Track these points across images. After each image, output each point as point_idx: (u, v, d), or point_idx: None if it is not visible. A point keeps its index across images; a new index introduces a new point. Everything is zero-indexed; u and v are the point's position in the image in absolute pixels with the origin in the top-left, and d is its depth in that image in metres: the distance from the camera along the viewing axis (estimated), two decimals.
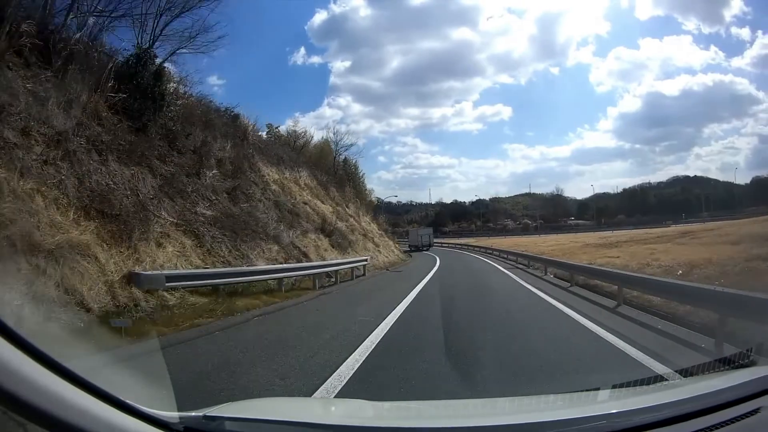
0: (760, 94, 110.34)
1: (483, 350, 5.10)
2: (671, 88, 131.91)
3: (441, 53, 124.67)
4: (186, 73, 16.72)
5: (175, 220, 11.26)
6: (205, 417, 1.31)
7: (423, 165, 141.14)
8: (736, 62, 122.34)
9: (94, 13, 13.48)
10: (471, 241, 52.49)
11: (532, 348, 5.24)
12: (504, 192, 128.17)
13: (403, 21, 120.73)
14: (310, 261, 14.45)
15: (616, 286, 10.12)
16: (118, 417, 1.01)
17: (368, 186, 46.22)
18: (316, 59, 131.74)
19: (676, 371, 3.41)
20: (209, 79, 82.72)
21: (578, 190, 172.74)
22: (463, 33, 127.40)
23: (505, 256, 25.67)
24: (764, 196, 64.04)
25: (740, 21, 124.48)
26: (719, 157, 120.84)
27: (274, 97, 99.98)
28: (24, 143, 8.42)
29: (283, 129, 33.25)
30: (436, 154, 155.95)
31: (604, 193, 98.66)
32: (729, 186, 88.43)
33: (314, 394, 3.55)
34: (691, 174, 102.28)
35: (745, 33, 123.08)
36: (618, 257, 17.83)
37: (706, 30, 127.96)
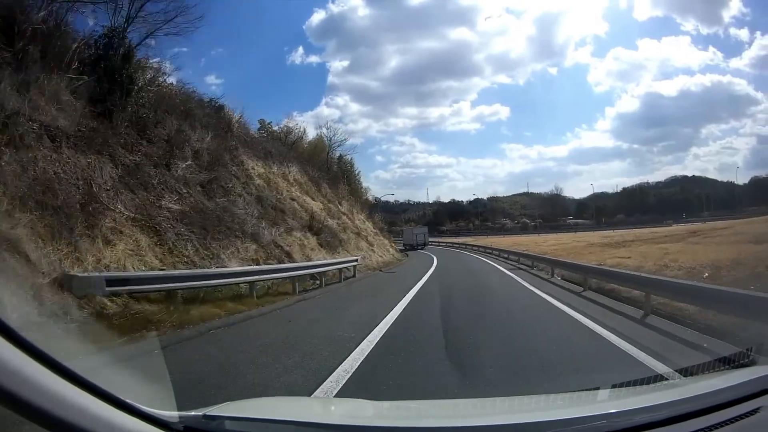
0: (759, 95, 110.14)
1: (499, 386, 3.74)
2: (669, 88, 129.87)
3: (439, 53, 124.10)
4: (163, 59, 15.45)
5: (133, 215, 9.87)
6: (205, 416, 1.30)
7: (421, 164, 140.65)
8: (735, 63, 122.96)
9: None
10: (469, 240, 51.20)
11: (565, 383, 3.85)
12: (502, 191, 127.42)
13: (402, 21, 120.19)
14: (294, 261, 13.06)
15: (636, 291, 8.94)
16: (118, 416, 1.00)
17: (364, 184, 44.99)
18: (314, 58, 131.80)
19: (676, 371, 3.36)
20: (207, 78, 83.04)
21: (576, 189, 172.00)
22: (461, 33, 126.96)
23: (506, 255, 24.25)
24: (764, 196, 63.69)
25: (739, 22, 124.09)
26: (717, 157, 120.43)
27: (272, 96, 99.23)
28: None
29: (276, 125, 31.94)
30: (433, 154, 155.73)
31: (602, 192, 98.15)
32: (728, 186, 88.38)
33: None
34: (690, 174, 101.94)
35: (743, 34, 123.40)
36: (629, 258, 16.53)
37: (705, 31, 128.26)
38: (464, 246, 42.77)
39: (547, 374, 4.09)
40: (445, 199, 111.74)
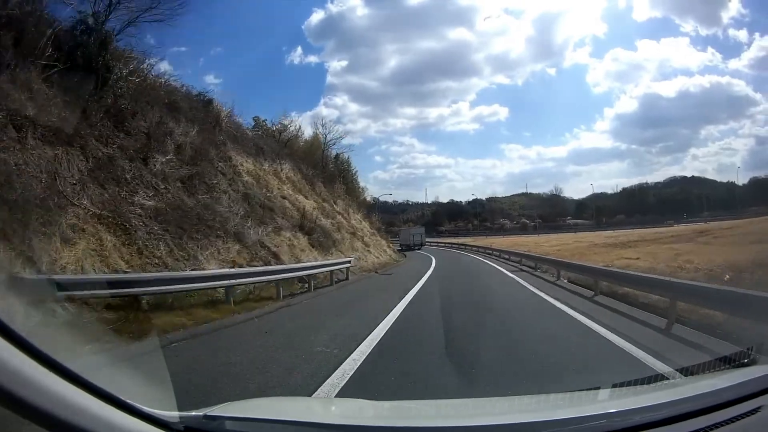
0: (758, 96, 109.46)
1: None
2: (668, 89, 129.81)
3: (438, 53, 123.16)
4: (148, 50, 14.65)
5: (99, 211, 8.97)
6: (205, 416, 1.29)
7: (419, 165, 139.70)
8: (734, 64, 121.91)
9: None
10: (468, 240, 50.34)
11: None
12: (501, 192, 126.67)
13: (401, 21, 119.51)
14: (282, 263, 12.15)
15: (654, 296, 8.09)
16: (119, 416, 1.00)
17: (362, 184, 44.22)
18: (312, 58, 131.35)
19: (676, 370, 3.35)
20: (206, 78, 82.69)
21: (575, 190, 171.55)
22: (460, 33, 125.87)
23: (507, 256, 23.31)
24: (763, 197, 63.25)
25: (738, 23, 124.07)
26: (716, 158, 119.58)
27: (270, 96, 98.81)
28: None
29: (271, 123, 31.16)
30: (432, 154, 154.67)
31: (601, 193, 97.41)
32: (727, 186, 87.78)
33: None
34: (688, 175, 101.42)
35: (742, 35, 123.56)
36: (637, 259, 15.67)
37: (704, 32, 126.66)
38: (463, 246, 41.88)
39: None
40: (444, 200, 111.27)
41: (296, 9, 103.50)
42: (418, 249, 43.34)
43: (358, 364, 4.36)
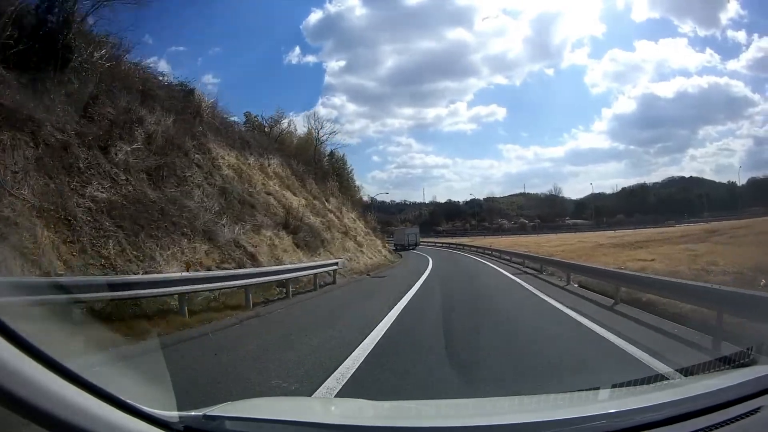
0: (756, 97, 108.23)
1: None
2: (666, 90, 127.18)
3: (436, 53, 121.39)
4: (123, 35, 13.29)
5: (41, 203, 7.69)
6: (205, 416, 1.29)
7: (417, 165, 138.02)
8: (732, 65, 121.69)
9: None
10: (466, 240, 49.05)
11: None
12: (498, 192, 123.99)
13: (399, 21, 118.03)
14: (260, 265, 10.85)
15: (687, 306, 6.88)
16: (118, 416, 0.99)
17: (358, 182, 43.03)
18: (310, 58, 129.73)
19: (676, 370, 3.28)
20: (204, 77, 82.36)
21: (572, 190, 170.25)
22: (458, 33, 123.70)
23: (508, 257, 21.97)
24: (763, 197, 62.66)
25: (736, 24, 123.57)
26: (714, 158, 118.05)
27: (268, 96, 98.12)
28: None
29: (263, 119, 29.99)
30: (430, 154, 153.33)
31: (599, 193, 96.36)
32: (726, 187, 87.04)
33: None
34: (686, 175, 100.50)
35: (741, 36, 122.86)
36: (652, 260, 14.43)
37: (702, 33, 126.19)
38: (461, 247, 40.58)
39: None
40: (442, 200, 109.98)
41: (294, 9, 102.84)
42: (413, 249, 43.04)
43: None
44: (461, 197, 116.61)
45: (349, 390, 3.52)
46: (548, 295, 9.30)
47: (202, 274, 7.65)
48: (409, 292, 10.28)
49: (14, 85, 9.22)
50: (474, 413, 1.86)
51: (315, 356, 4.61)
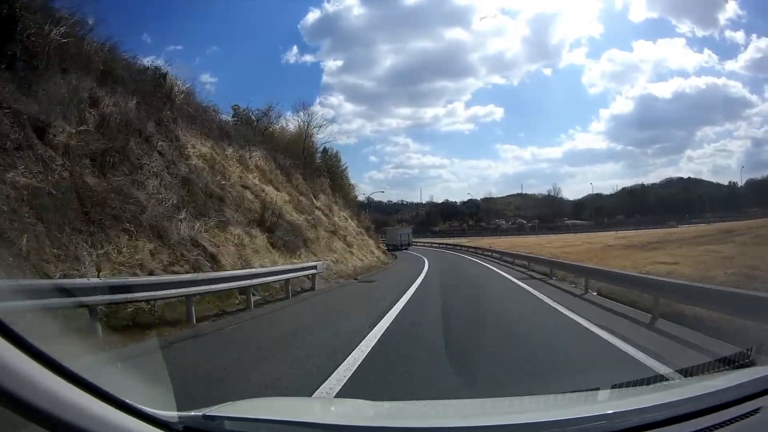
0: (754, 98, 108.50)
1: None
2: (664, 90, 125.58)
3: (434, 53, 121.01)
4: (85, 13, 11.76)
5: None
6: (204, 417, 1.28)
7: (414, 165, 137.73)
8: (730, 65, 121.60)
9: None
10: (463, 241, 47.38)
11: None
12: (495, 192, 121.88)
13: (397, 20, 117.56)
14: (222, 268, 9.13)
15: (750, 322, 5.28)
16: (118, 416, 0.98)
17: (352, 181, 41.42)
18: (308, 58, 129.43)
19: (676, 371, 3.23)
20: (202, 77, 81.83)
21: (570, 191, 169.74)
22: (456, 33, 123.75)
23: (510, 260, 20.25)
24: (763, 198, 61.81)
25: (735, 24, 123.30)
26: (711, 159, 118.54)
27: (265, 95, 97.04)
28: None
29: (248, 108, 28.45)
30: (427, 154, 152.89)
31: (597, 194, 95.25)
32: (726, 188, 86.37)
33: None
34: (684, 176, 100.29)
35: (739, 36, 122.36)
36: (675, 263, 12.80)
37: (700, 33, 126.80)
38: (459, 247, 38.88)
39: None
40: (439, 200, 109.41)
41: (293, 8, 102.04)
42: (406, 249, 42.67)
43: None
44: (458, 197, 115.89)
45: None
46: (568, 308, 7.58)
47: (118, 281, 5.87)
48: (399, 302, 8.56)
49: None
50: (474, 413, 1.82)
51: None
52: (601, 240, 27.11)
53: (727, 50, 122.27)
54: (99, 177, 9.31)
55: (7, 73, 8.85)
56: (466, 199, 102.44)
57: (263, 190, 15.61)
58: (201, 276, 7.03)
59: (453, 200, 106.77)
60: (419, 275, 15.39)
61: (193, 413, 1.27)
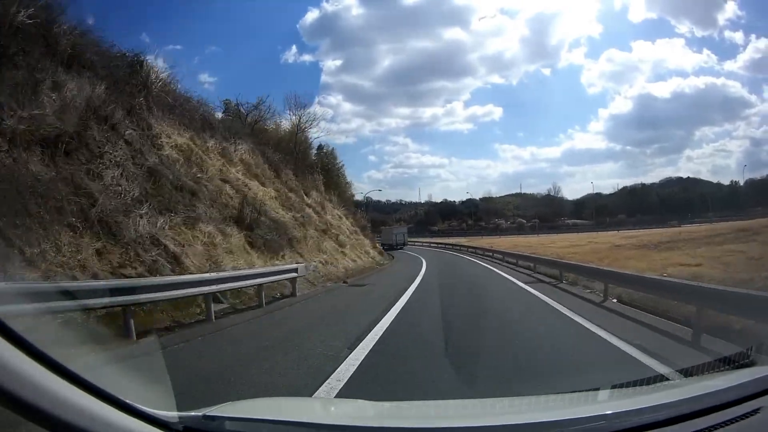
0: (753, 98, 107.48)
1: None
2: (663, 90, 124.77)
3: (433, 53, 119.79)
4: None
5: None
6: (204, 417, 1.26)
7: (413, 164, 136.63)
8: (729, 66, 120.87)
9: None
10: (462, 240, 46.17)
11: None
12: (494, 192, 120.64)
13: (396, 20, 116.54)
14: (187, 271, 7.91)
15: None
16: (118, 416, 0.98)
17: (349, 179, 40.29)
18: (307, 57, 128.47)
19: (676, 371, 3.21)
20: (200, 76, 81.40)
21: (569, 190, 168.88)
22: (455, 33, 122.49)
23: (513, 260, 19.00)
24: (764, 198, 61.19)
25: (734, 25, 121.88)
26: (710, 159, 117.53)
27: (264, 95, 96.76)
28: None
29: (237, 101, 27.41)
30: (426, 154, 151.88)
31: (597, 193, 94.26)
32: (726, 187, 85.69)
33: None
34: (683, 176, 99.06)
35: (738, 37, 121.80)
36: (698, 265, 11.62)
37: (700, 33, 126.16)
38: (458, 247, 37.65)
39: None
40: (438, 199, 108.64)
41: (292, 8, 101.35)
42: (400, 248, 42.51)
43: None
44: (457, 197, 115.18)
45: None
46: (590, 320, 6.34)
47: (22, 285, 4.61)
48: (390, 311, 7.33)
49: None
50: (474, 413, 1.83)
51: None
52: (607, 239, 25.92)
53: (726, 50, 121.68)
54: (48, 165, 8.14)
55: None
56: (464, 199, 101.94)
57: (246, 185, 14.38)
58: (143, 281, 5.77)
59: (452, 200, 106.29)
60: (416, 277, 14.17)
61: (193, 413, 1.25)
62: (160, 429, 1.09)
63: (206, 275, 6.75)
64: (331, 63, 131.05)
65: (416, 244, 51.05)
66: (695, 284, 6.06)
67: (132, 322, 5.11)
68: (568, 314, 6.96)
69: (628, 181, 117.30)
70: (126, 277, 6.87)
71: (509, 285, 11.72)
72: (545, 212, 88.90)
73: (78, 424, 0.85)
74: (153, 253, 7.75)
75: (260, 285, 7.86)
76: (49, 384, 0.83)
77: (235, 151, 17.06)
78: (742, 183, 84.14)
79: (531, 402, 1.94)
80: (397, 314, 7.12)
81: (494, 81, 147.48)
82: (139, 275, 7.04)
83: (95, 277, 6.58)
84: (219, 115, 23.13)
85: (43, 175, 7.84)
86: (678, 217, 62.51)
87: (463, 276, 15.62)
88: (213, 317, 6.41)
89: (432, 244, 49.13)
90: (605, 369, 4.28)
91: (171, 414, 1.18)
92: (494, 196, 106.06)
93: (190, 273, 7.78)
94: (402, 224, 69.54)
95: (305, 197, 21.15)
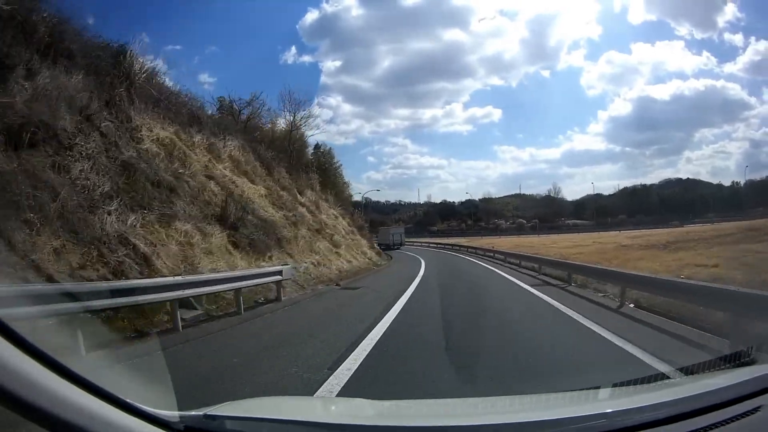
0: (752, 100, 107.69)
1: None
2: (663, 92, 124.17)
3: (432, 54, 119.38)
4: None
5: None
6: (205, 416, 1.25)
7: (413, 165, 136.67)
8: (729, 68, 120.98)
9: None
10: (462, 241, 45.42)
11: None
12: (494, 193, 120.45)
13: (395, 21, 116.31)
14: (159, 273, 7.12)
15: None
16: (119, 416, 0.96)
17: (347, 179, 39.66)
18: (307, 58, 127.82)
19: (677, 369, 3.24)
20: (200, 77, 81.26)
21: (568, 191, 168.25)
22: (454, 34, 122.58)
23: (516, 261, 18.20)
24: (764, 199, 60.73)
25: (734, 27, 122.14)
26: (710, 161, 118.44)
27: (264, 95, 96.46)
28: None
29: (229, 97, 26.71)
30: (425, 155, 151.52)
31: (597, 194, 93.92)
32: (727, 188, 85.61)
33: None
34: (683, 177, 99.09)
35: (738, 39, 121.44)
36: (715, 266, 10.91)
37: (699, 35, 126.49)
38: (458, 247, 36.89)
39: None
40: (437, 200, 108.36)
41: (292, 8, 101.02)
42: (397, 248, 42.55)
43: None
44: (456, 198, 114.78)
45: None
46: (610, 330, 5.55)
47: None
48: (384, 319, 6.54)
49: None
50: (474, 412, 1.82)
51: None
52: (611, 240, 25.20)
53: (725, 53, 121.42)
54: (8, 156, 7.39)
55: None
56: (464, 200, 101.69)
57: (233, 182, 13.61)
58: (87, 286, 4.97)
59: (451, 200, 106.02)
60: (414, 279, 13.39)
61: (194, 413, 1.25)
62: (161, 428, 1.08)
63: (170, 279, 5.94)
64: (330, 64, 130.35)
65: (415, 244, 50.45)
66: (732, 289, 5.30)
67: (80, 334, 4.32)
68: (582, 321, 6.18)
69: (628, 182, 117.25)
70: (87, 280, 6.11)
71: (517, 289, 10.81)
72: (545, 213, 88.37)
73: (78, 424, 0.85)
74: (120, 254, 6.96)
75: (238, 289, 7.06)
76: (50, 384, 0.82)
77: (224, 147, 16.29)
78: (731, 186, 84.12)
79: (532, 400, 1.92)
80: (395, 319, 6.34)
81: (494, 82, 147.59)
82: (102, 277, 6.26)
83: (50, 279, 5.81)
84: (212, 112, 22.53)
85: (4, 166, 7.09)
86: (679, 217, 62.18)
87: (465, 277, 14.79)
88: (180, 326, 5.62)
89: (431, 245, 48.42)
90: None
91: (172, 413, 1.17)
92: (494, 197, 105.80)
93: (162, 275, 7.00)
94: (399, 224, 68.95)
95: (299, 196, 20.39)
